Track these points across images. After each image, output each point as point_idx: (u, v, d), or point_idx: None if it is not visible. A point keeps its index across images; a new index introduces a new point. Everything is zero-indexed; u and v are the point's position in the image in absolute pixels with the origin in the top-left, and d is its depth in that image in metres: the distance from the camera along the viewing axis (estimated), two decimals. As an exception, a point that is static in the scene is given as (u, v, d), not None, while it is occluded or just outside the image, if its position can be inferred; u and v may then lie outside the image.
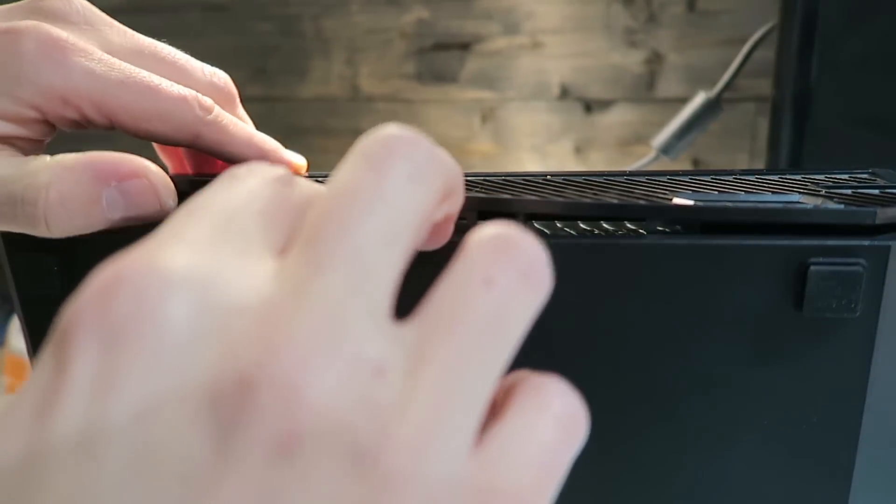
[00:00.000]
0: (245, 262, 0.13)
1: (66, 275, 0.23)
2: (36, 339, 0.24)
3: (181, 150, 0.28)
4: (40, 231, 0.21)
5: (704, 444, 0.22)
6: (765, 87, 0.58)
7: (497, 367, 0.13)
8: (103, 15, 0.24)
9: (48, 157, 0.21)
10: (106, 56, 0.22)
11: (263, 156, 0.26)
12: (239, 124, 0.26)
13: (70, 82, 0.21)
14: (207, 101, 0.24)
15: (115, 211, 0.21)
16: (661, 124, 0.58)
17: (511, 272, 0.14)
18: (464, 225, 0.22)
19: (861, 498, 0.22)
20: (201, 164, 0.28)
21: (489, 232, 0.14)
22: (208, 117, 0.24)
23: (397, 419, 0.12)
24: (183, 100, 0.23)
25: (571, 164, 0.80)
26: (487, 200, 0.21)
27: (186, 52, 0.26)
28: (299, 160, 0.28)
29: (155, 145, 0.27)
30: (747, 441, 0.22)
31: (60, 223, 0.21)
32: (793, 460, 0.22)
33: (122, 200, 0.21)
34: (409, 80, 0.82)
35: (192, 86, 0.24)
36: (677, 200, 0.21)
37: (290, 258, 0.13)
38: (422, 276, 0.14)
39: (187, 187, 0.24)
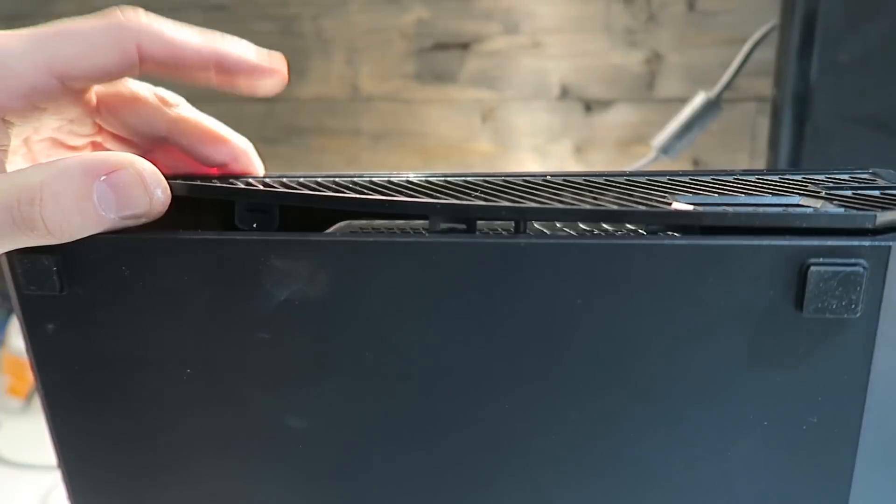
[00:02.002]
0: None
1: (65, 275, 0.23)
2: (35, 339, 0.24)
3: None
4: (39, 234, 0.21)
5: (705, 444, 0.22)
6: (765, 86, 0.58)
7: None
8: None
9: (38, 163, 0.22)
10: (22, 32, 0.23)
11: (221, 55, 0.25)
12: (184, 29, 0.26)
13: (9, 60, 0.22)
14: (134, 13, 0.24)
15: (108, 207, 0.21)
16: (661, 124, 0.58)
17: None
18: (462, 231, 0.22)
19: (861, 498, 0.22)
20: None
21: None
22: (143, 23, 0.24)
23: None
24: (107, 23, 0.24)
25: (571, 164, 0.80)
26: (485, 208, 0.21)
27: None
28: (275, 62, 0.27)
29: None
30: (747, 441, 0.22)
31: (57, 221, 0.21)
32: (793, 461, 0.22)
33: (112, 194, 0.21)
34: (408, 80, 0.82)
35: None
36: (676, 205, 0.21)
37: None
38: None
39: (182, 190, 0.24)
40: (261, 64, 0.26)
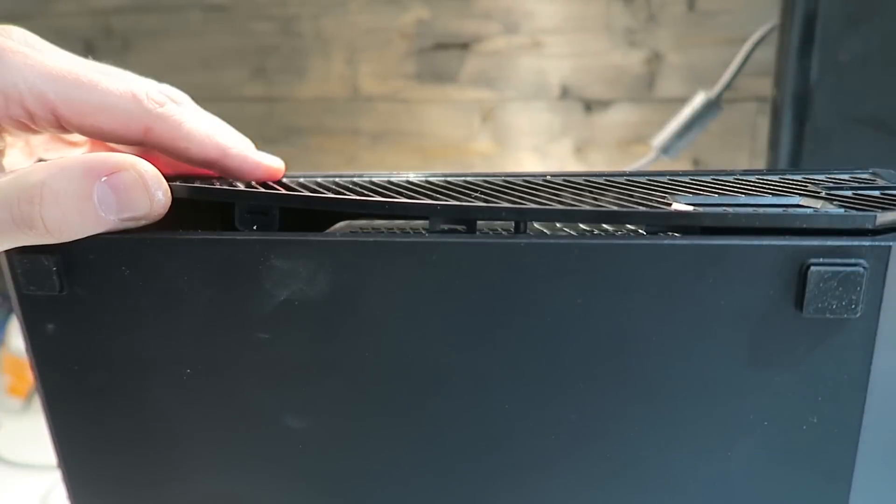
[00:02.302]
0: None
1: (65, 275, 0.23)
2: (35, 339, 0.24)
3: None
4: (38, 233, 0.21)
5: (705, 443, 0.22)
6: (765, 86, 0.58)
7: None
8: (47, 42, 0.25)
9: (39, 162, 0.22)
10: (45, 56, 0.23)
11: (224, 154, 0.26)
12: (199, 119, 0.26)
13: (8, 77, 0.22)
14: (158, 95, 0.24)
15: (108, 208, 0.21)
16: (661, 124, 0.58)
17: None
18: (462, 232, 0.22)
19: (861, 498, 0.22)
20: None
21: None
22: (158, 110, 0.24)
23: None
24: (129, 92, 0.24)
25: (571, 164, 0.80)
26: (486, 210, 0.21)
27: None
28: (273, 162, 0.27)
29: None
30: (748, 441, 0.22)
31: (56, 221, 0.21)
32: (793, 461, 0.22)
33: (113, 195, 0.21)
34: (408, 80, 0.82)
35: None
36: (676, 205, 0.21)
37: None
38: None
39: (183, 192, 0.24)
40: (259, 165, 0.26)
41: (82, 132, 0.24)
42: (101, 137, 0.24)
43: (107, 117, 0.23)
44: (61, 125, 0.23)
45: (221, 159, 0.26)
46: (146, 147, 0.25)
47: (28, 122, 0.23)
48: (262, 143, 0.28)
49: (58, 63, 0.23)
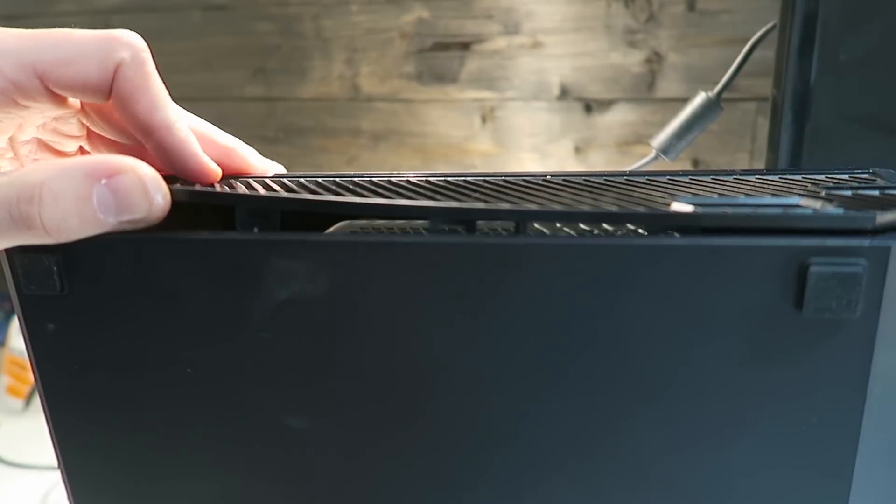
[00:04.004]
0: None
1: (66, 275, 0.23)
2: (35, 338, 0.24)
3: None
4: (37, 233, 0.21)
5: (705, 443, 0.22)
6: (765, 86, 0.58)
7: None
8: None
9: (40, 162, 0.22)
10: (10, 31, 0.23)
11: (169, 129, 0.25)
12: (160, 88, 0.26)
13: None
14: (131, 35, 0.25)
15: (107, 210, 0.21)
16: (661, 124, 0.58)
17: None
18: (461, 233, 0.22)
19: (861, 498, 0.22)
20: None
21: None
22: (132, 49, 0.24)
23: None
24: (102, 34, 0.24)
25: (571, 164, 0.80)
26: (486, 211, 0.21)
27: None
28: (211, 164, 0.27)
29: None
30: (747, 441, 0.22)
31: (55, 221, 0.21)
32: (793, 461, 0.22)
33: (112, 197, 0.21)
34: (409, 80, 0.82)
35: None
36: (676, 206, 0.21)
37: None
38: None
39: (183, 196, 0.24)
40: (197, 157, 0.26)
41: (63, 85, 0.24)
42: (82, 86, 0.24)
43: (85, 62, 0.24)
44: (48, 90, 0.24)
45: (162, 132, 0.25)
46: (114, 98, 0.25)
47: (16, 97, 0.24)
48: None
49: (25, 32, 0.24)
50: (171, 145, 0.25)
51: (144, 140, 0.26)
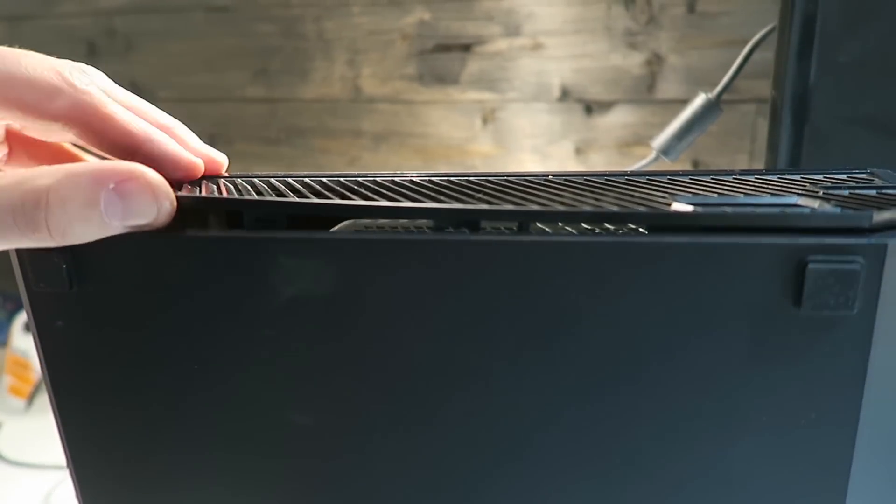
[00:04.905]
0: None
1: (75, 272, 0.23)
2: (44, 336, 0.24)
3: None
4: (42, 237, 0.21)
5: (704, 439, 0.22)
6: (764, 88, 0.59)
7: None
8: None
9: (47, 166, 0.22)
10: None
11: (148, 141, 0.25)
12: (122, 103, 0.25)
13: None
14: (81, 74, 0.24)
15: (113, 215, 0.21)
16: (661, 125, 0.58)
17: None
18: (465, 231, 0.22)
19: (859, 493, 0.22)
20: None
21: None
22: (83, 86, 0.24)
23: None
24: (52, 68, 0.23)
25: (572, 166, 0.80)
26: (489, 212, 0.21)
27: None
28: (194, 158, 0.26)
29: None
30: (746, 436, 0.22)
31: (61, 226, 0.21)
32: (791, 456, 0.22)
33: (120, 202, 0.21)
34: (410, 82, 0.83)
35: None
36: (676, 206, 0.21)
37: None
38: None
39: (190, 203, 0.24)
40: (180, 160, 0.26)
41: (6, 106, 0.24)
42: (25, 111, 0.24)
43: (32, 90, 0.23)
44: None
45: (142, 146, 0.25)
46: (68, 124, 0.25)
47: None
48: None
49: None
50: (153, 158, 0.25)
51: (130, 158, 0.25)
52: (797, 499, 0.22)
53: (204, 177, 0.28)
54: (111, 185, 0.21)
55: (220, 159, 0.28)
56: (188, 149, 0.27)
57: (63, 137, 0.26)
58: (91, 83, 0.25)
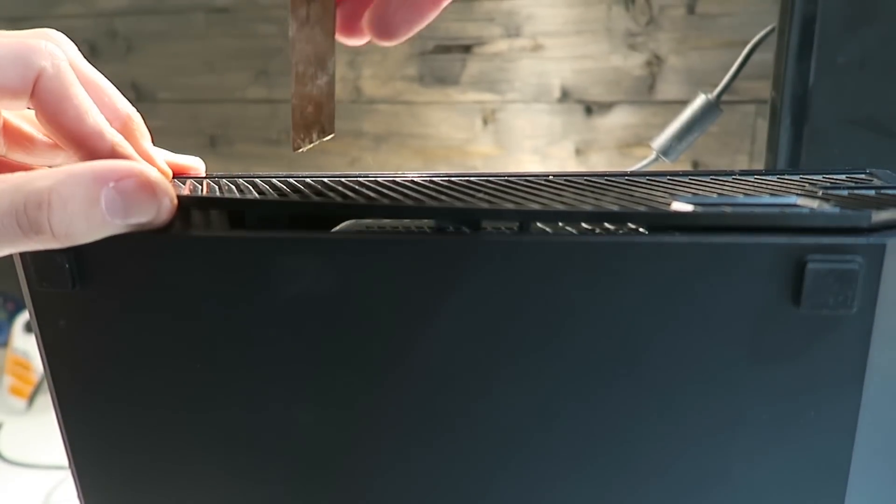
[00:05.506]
0: None
1: (77, 272, 0.23)
2: (46, 335, 0.24)
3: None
4: (45, 238, 0.21)
5: (703, 438, 0.22)
6: (764, 89, 0.59)
7: None
8: None
9: (47, 168, 0.22)
10: None
11: (101, 137, 0.24)
12: (88, 91, 0.25)
13: None
14: (55, 48, 0.24)
15: (115, 213, 0.21)
16: (661, 126, 0.59)
17: None
18: (465, 232, 0.22)
19: (858, 492, 0.22)
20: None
21: None
22: (55, 60, 0.23)
23: None
24: (23, 42, 0.23)
25: (572, 166, 0.80)
26: (491, 212, 0.21)
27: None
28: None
29: None
30: (745, 435, 0.22)
31: (63, 226, 0.21)
32: (790, 455, 0.22)
33: (120, 200, 0.21)
34: (410, 83, 0.83)
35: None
36: (676, 205, 0.21)
37: None
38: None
39: (190, 202, 0.24)
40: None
41: None
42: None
43: (3, 71, 0.23)
44: None
45: (95, 139, 0.24)
46: (33, 104, 0.24)
47: None
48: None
49: None
50: (107, 152, 0.25)
51: (77, 150, 0.24)
52: (796, 498, 0.22)
53: (206, 176, 0.28)
54: (111, 184, 0.21)
55: (162, 165, 0.27)
56: (137, 148, 0.26)
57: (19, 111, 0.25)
58: (62, 61, 0.24)
